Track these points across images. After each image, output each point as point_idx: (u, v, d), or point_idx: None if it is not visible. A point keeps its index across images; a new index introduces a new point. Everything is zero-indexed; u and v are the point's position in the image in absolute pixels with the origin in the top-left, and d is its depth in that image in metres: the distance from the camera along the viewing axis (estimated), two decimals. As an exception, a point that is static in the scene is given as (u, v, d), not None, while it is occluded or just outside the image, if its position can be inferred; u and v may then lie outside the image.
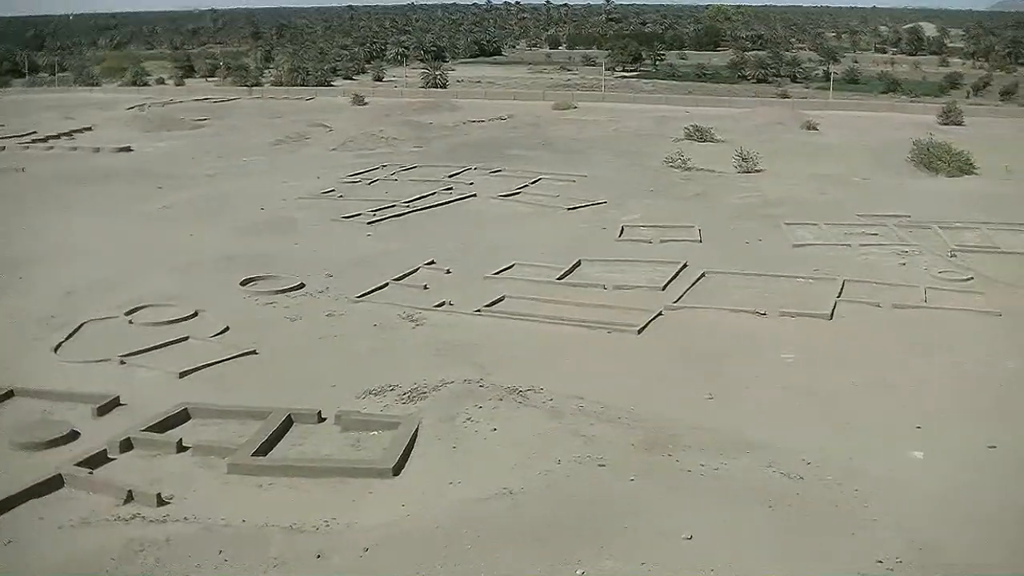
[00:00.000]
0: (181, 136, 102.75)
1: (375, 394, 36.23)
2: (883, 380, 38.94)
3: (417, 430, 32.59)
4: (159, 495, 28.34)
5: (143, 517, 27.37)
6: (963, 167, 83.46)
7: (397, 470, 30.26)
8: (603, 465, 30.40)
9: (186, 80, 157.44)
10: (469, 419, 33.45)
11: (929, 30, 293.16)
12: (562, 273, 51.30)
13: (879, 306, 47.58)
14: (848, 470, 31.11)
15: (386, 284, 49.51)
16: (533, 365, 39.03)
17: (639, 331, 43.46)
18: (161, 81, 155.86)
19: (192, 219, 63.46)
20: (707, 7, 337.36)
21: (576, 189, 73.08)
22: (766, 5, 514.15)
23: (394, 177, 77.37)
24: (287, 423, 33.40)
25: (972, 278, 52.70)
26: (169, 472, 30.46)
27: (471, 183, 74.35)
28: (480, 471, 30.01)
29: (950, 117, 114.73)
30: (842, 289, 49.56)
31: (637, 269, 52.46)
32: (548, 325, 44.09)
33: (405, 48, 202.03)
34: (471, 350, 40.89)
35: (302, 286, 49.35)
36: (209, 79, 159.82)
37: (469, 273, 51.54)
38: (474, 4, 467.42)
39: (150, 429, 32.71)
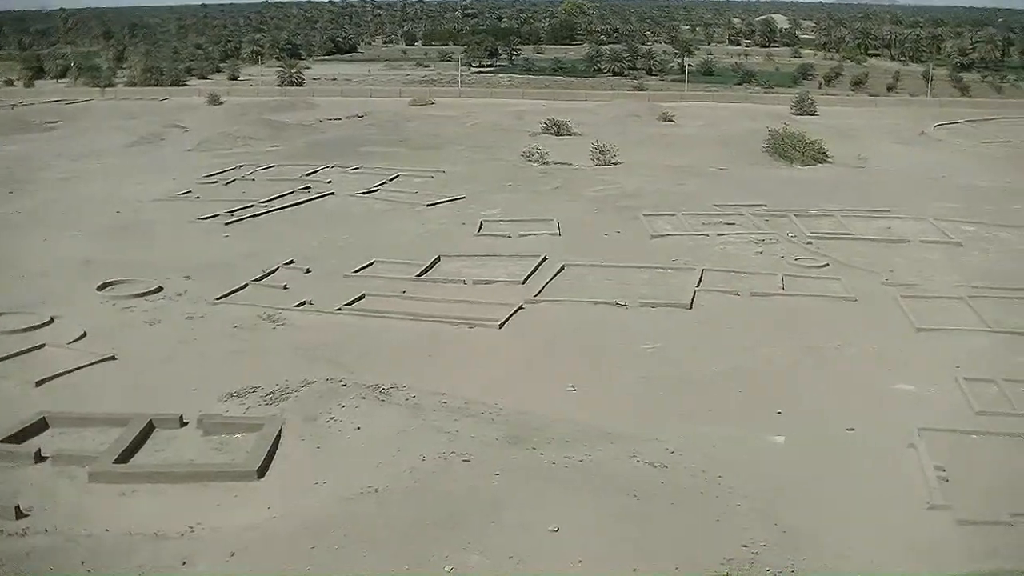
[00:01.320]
0: (32, 139, 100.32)
1: (237, 396, 35.86)
2: (743, 367, 39.60)
3: (281, 431, 32.41)
4: (17, 508, 27.64)
5: (1, 531, 26.75)
6: (817, 156, 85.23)
7: (261, 472, 30.05)
8: (468, 460, 30.55)
9: (36, 82, 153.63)
10: (332, 418, 33.39)
11: (781, 22, 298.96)
12: (422, 270, 51.28)
13: (738, 294, 48.38)
14: (711, 457, 31.65)
15: (245, 285, 49.01)
16: (395, 362, 39.00)
17: (500, 325, 43.64)
18: (10, 83, 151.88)
19: (45, 224, 62.07)
20: (562, 2, 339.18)
21: (434, 185, 73.01)
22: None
23: (251, 177, 76.47)
24: (148, 429, 32.91)
25: (828, 264, 53.88)
26: (28, 483, 29.76)
27: (329, 181, 73.81)
28: (345, 470, 29.98)
29: (803, 107, 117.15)
30: (701, 278, 50.27)
31: (497, 264, 52.64)
32: (409, 322, 44.03)
33: (260, 46, 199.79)
34: (333, 349, 40.71)
35: (160, 289, 48.58)
36: (60, 80, 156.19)
37: (329, 272, 51.22)
38: (329, 1, 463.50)
39: (6, 440, 31.94)
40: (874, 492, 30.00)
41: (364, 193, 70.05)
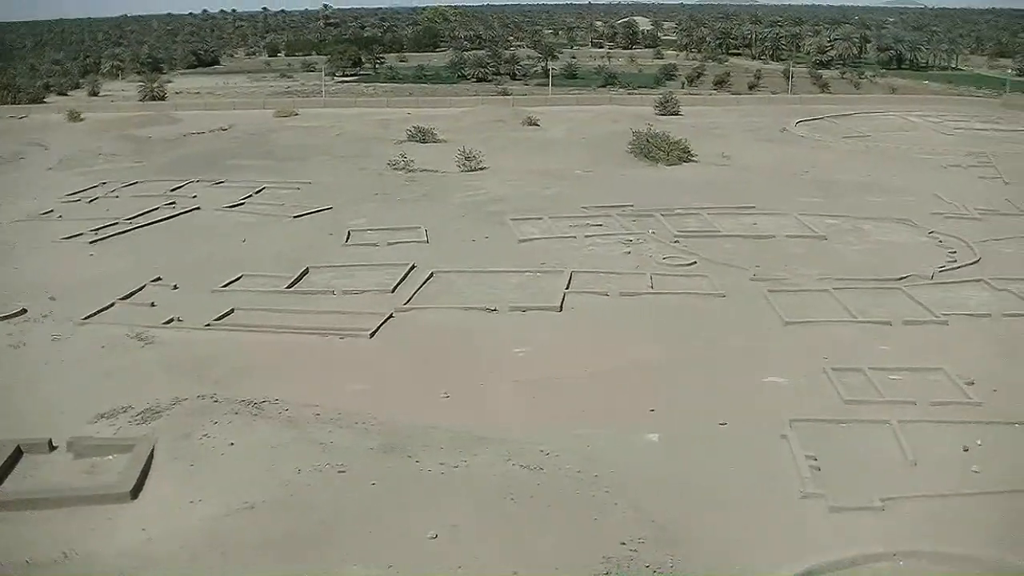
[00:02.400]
0: None
1: (107, 417, 35.27)
2: (615, 366, 39.93)
3: (153, 451, 32.01)
4: None
5: None
6: (682, 155, 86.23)
7: (135, 493, 29.66)
8: (343, 472, 30.55)
9: None
10: (206, 435, 33.05)
11: (643, 24, 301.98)
12: (291, 282, 50.94)
13: (607, 295, 48.77)
14: (587, 458, 31.95)
15: (112, 304, 48.20)
16: (267, 376, 38.70)
17: (371, 335, 43.54)
18: None
19: (-98, 249, 60.54)
20: (425, 9, 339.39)
21: (301, 196, 72.50)
22: (484, 5, 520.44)
23: (115, 194, 75.24)
24: (16, 455, 32.25)
25: (695, 262, 54.57)
26: None
27: (194, 196, 72.92)
28: (220, 487, 29.73)
29: (667, 107, 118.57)
30: (570, 281, 50.62)
31: (366, 273, 52.44)
32: (280, 335, 43.73)
33: (120, 61, 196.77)
34: (203, 365, 40.22)
35: (24, 311, 47.62)
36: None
37: (197, 287, 50.60)
38: (190, 13, 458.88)
39: None
40: (748, 484, 30.54)
41: (230, 207, 69.33)
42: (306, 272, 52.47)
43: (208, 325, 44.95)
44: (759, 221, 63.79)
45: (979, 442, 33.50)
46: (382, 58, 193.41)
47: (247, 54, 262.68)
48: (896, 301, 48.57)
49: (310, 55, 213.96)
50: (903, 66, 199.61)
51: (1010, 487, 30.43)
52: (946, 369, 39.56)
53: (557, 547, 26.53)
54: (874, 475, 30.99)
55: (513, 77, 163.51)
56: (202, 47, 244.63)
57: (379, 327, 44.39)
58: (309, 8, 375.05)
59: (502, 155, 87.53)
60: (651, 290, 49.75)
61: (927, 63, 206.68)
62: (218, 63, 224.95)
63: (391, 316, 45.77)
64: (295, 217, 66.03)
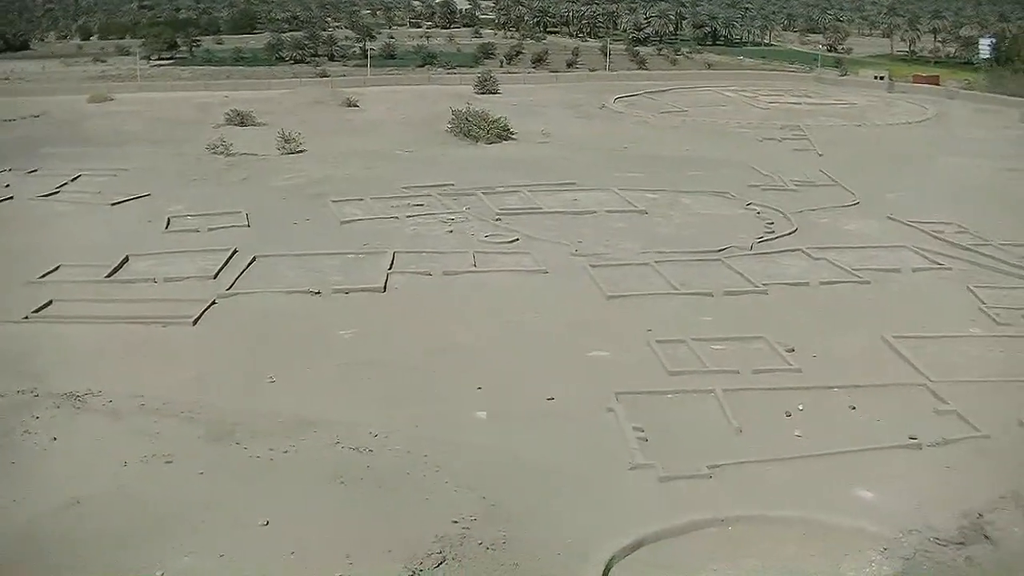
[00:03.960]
0: None
1: (-81, 417, 34.31)
2: (441, 346, 40.18)
3: (-30, 449, 31.29)
4: None
5: None
6: (501, 133, 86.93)
7: (-48, 494, 28.95)
8: (170, 462, 30.22)
9: None
10: (26, 431, 32.32)
11: (461, 3, 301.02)
12: (110, 271, 49.84)
13: (431, 274, 48.98)
14: (416, 437, 32.09)
15: (-76, 300, 46.84)
16: (88, 368, 37.80)
17: (194, 322, 43.00)
18: None
19: None
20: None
21: (118, 183, 70.87)
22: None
23: (-79, 186, 72.96)
24: None
25: (518, 239, 55.08)
26: None
27: (7, 185, 70.72)
28: (45, 484, 29.09)
29: (486, 86, 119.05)
30: (393, 261, 50.71)
31: (187, 260, 51.59)
32: (101, 325, 42.80)
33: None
34: (21, 359, 39.04)
35: None
36: None
37: (11, 280, 48.98)
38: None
39: None
40: (578, 457, 31.02)
41: (45, 196, 67.62)
42: (126, 260, 51.42)
43: (26, 318, 43.80)
44: (580, 197, 64.68)
45: (801, 407, 34.59)
46: (198, 41, 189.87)
47: (58, 37, 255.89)
48: (717, 272, 49.76)
49: (124, 38, 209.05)
50: (718, 42, 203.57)
51: (830, 450, 31.47)
52: (767, 337, 40.77)
53: (389, 528, 26.60)
54: (701, 444, 31.77)
55: (332, 58, 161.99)
56: (10, 31, 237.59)
57: (202, 314, 43.85)
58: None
59: (322, 137, 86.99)
60: (474, 268, 50.11)
61: (741, 39, 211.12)
62: (28, 47, 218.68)
63: (214, 302, 45.23)
64: (113, 205, 64.63)
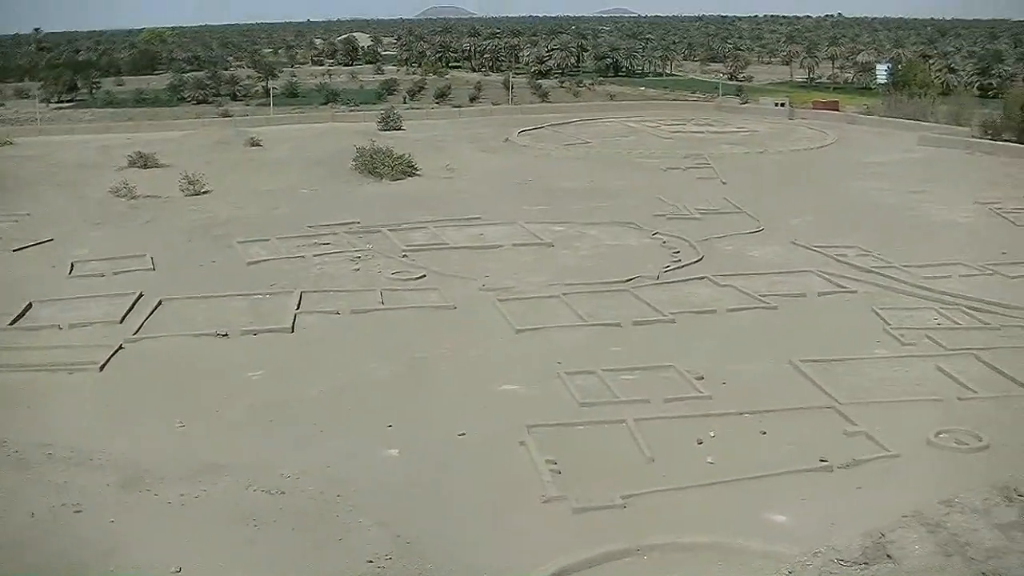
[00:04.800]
0: None
1: None
2: (351, 384, 40.11)
3: None
4: None
5: None
6: (406, 170, 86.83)
7: None
8: (80, 511, 29.74)
9: None
10: (-72, 484, 31.78)
11: (363, 40, 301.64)
12: (13, 318, 48.92)
13: (338, 313, 48.86)
14: (328, 478, 31.94)
15: None
16: (-8, 418, 37.30)
17: (101, 368, 42.37)
18: None
19: None
20: (141, 31, 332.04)
21: (19, 229, 69.66)
22: (202, 25, 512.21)
23: None
24: None
25: (424, 275, 55.10)
26: None
27: (-102, 236, 69.51)
28: (-53, 537, 28.59)
29: (389, 123, 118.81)
30: (300, 301, 50.47)
31: (92, 305, 50.82)
32: (5, 374, 41.96)
33: None
34: (-77, 410, 38.49)
35: None
36: None
37: (-88, 330, 48.30)
38: None
39: None
40: (491, 492, 31.03)
41: (-57, 244, 66.40)
42: (29, 307, 50.59)
43: (-71, 368, 43.00)
44: (486, 231, 64.82)
45: (712, 434, 34.87)
46: (98, 82, 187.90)
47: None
48: (624, 303, 50.09)
49: (22, 81, 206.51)
50: (620, 73, 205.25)
51: (743, 475, 31.77)
52: (676, 366, 41.04)
53: (304, 571, 26.43)
54: (614, 474, 31.85)
55: (234, 98, 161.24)
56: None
57: (109, 359, 43.26)
58: (21, 32, 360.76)
59: (226, 177, 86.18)
60: (382, 306, 50.10)
61: (643, 70, 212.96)
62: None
63: (121, 347, 44.66)
64: (15, 251, 63.62)
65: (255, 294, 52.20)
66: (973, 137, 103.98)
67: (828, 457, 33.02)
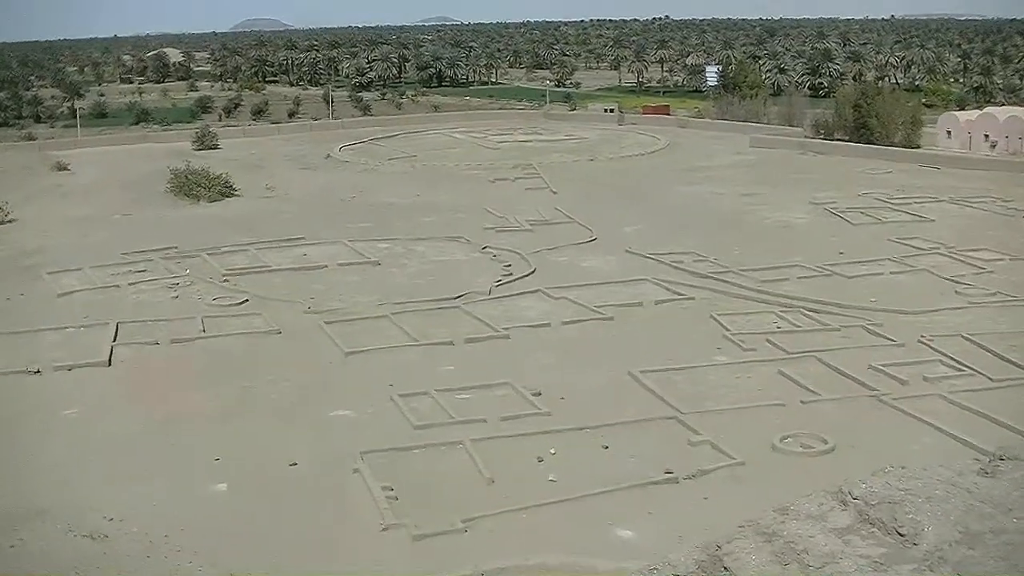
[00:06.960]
0: None
1: None
2: (174, 418, 38.37)
3: None
4: None
5: None
6: (224, 190, 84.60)
7: None
8: None
9: None
10: None
11: (174, 55, 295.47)
12: None
13: (158, 343, 46.94)
14: (154, 517, 30.49)
15: None
16: None
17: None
18: None
19: None
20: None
21: None
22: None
23: None
24: None
25: (247, 300, 53.35)
26: None
27: None
28: None
29: (205, 142, 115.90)
30: (117, 332, 48.24)
31: None
32: None
33: None
34: None
35: None
36: None
37: None
38: None
39: None
40: (327, 523, 30.20)
41: None
42: None
43: None
44: (309, 252, 63.52)
45: (553, 451, 34.31)
46: None
47: None
48: (456, 320, 49.45)
49: None
50: (444, 83, 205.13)
51: (587, 491, 31.20)
52: (512, 383, 40.47)
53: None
54: (453, 498, 31.22)
55: (38, 120, 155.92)
56: None
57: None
58: None
59: (32, 205, 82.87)
60: (203, 334, 48.42)
61: (467, 79, 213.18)
62: None
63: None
64: None
65: (68, 327, 49.75)
66: (806, 137, 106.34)
67: (674, 468, 32.79)
